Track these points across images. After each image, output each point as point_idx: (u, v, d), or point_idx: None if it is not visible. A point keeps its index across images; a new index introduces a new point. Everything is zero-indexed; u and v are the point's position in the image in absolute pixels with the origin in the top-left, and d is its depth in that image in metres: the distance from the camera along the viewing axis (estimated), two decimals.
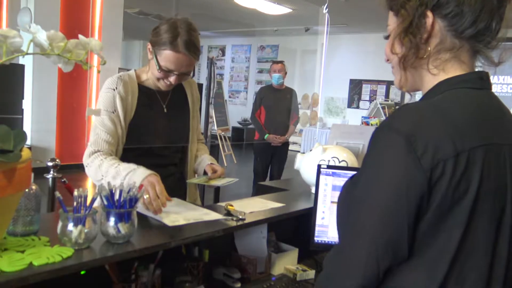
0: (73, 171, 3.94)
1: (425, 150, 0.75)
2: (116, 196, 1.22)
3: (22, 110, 6.25)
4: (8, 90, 5.95)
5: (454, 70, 0.87)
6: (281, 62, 5.13)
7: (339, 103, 11.40)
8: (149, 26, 1.94)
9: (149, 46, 1.71)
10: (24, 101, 6.27)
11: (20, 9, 6.39)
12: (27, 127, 6.37)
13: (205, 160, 1.91)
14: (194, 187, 1.98)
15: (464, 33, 0.84)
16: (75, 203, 1.15)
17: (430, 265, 0.79)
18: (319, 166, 1.68)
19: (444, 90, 0.85)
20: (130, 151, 1.73)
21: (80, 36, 1.03)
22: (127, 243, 1.21)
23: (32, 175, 1.12)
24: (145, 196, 1.44)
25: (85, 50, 1.04)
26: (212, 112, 7.09)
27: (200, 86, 6.40)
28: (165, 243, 1.27)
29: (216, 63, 9.98)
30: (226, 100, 10.57)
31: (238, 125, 11.67)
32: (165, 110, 1.82)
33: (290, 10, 8.73)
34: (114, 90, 1.69)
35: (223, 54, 13.37)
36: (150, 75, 1.78)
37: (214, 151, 8.15)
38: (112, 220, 1.20)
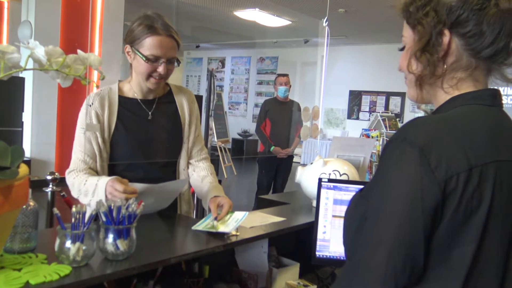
0: None
1: (439, 163, 0.74)
2: (115, 212, 1.20)
3: (22, 122, 6.24)
4: (8, 102, 5.95)
5: (468, 89, 0.86)
6: (286, 75, 5.16)
7: (338, 114, 11.40)
8: None
9: (127, 48, 1.70)
10: (24, 114, 6.27)
11: (20, 22, 6.42)
12: (26, 139, 6.36)
13: (208, 193, 1.74)
14: (187, 201, 1.93)
15: (481, 53, 0.83)
16: (73, 220, 1.13)
17: (443, 284, 0.77)
18: (320, 180, 1.67)
19: (457, 105, 0.85)
20: (116, 165, 1.73)
21: (78, 51, 1.03)
22: (126, 260, 1.19)
23: (30, 190, 1.10)
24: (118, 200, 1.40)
25: (83, 65, 1.03)
26: (212, 124, 7.10)
27: (200, 98, 6.43)
28: (165, 260, 1.25)
29: (215, 75, 10.01)
30: (226, 112, 10.59)
31: (238, 137, 11.67)
32: (150, 117, 1.77)
33: (289, 22, 8.78)
34: (90, 106, 1.69)
35: (223, 66, 13.42)
36: (133, 83, 1.76)
37: (214, 163, 8.13)
38: (110, 236, 1.18)
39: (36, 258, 1.13)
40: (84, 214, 1.14)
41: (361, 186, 0.99)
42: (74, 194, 1.66)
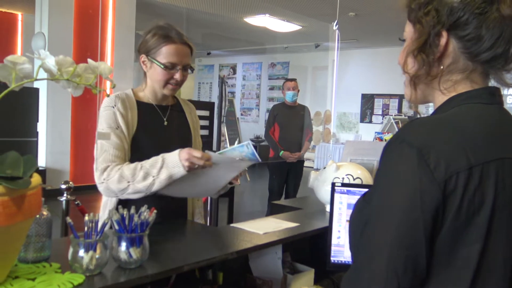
0: (87, 192, 3.96)
1: (438, 163, 0.74)
2: (127, 220, 1.20)
3: (37, 133, 6.34)
4: (23, 113, 6.05)
5: (464, 89, 0.86)
6: (294, 79, 5.17)
7: (351, 118, 11.36)
8: None
9: (142, 57, 1.73)
10: (38, 124, 6.36)
11: (34, 34, 6.52)
12: (41, 149, 6.44)
13: None
14: (201, 207, 1.94)
15: (479, 57, 0.82)
16: (86, 228, 1.13)
17: (450, 287, 0.76)
18: (333, 184, 1.65)
19: (455, 105, 0.84)
20: None
21: (89, 60, 1.03)
22: (139, 268, 1.19)
23: (43, 200, 1.11)
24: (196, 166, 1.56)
25: (94, 74, 1.03)
26: (224, 130, 7.11)
27: (211, 104, 6.45)
28: (178, 267, 1.25)
29: (227, 82, 10.04)
30: (238, 118, 10.60)
31: (251, 142, 11.68)
32: (166, 123, 1.81)
33: (300, 27, 8.78)
34: (113, 107, 1.69)
35: (234, 73, 13.46)
36: (147, 91, 1.79)
37: None
38: (123, 245, 1.17)
39: (50, 267, 1.13)
40: (97, 222, 1.15)
41: None
42: (121, 185, 1.58)
